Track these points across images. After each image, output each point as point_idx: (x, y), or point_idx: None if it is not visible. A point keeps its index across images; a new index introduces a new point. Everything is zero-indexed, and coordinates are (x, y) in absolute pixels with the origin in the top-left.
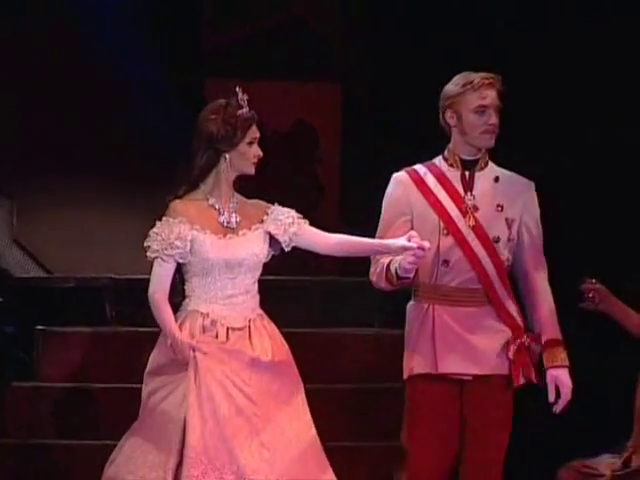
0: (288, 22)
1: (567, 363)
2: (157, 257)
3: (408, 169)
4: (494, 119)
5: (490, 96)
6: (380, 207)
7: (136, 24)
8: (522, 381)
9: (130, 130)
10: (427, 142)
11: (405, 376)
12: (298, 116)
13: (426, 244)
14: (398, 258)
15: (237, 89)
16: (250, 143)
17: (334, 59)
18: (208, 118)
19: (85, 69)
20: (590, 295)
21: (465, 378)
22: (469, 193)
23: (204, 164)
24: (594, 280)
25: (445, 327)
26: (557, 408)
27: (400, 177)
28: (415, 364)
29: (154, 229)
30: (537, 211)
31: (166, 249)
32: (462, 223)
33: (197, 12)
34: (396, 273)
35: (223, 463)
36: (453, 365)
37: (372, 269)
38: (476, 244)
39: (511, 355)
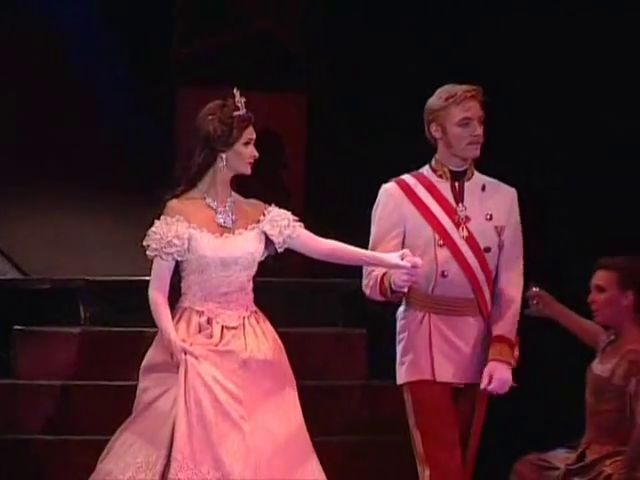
0: (256, 35)
1: (510, 361)
2: (156, 255)
3: (397, 180)
4: (478, 130)
5: (473, 108)
6: (342, 211)
7: (112, 38)
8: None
9: (104, 138)
10: (387, 148)
11: (401, 381)
12: (265, 124)
13: (419, 261)
14: (392, 272)
15: (235, 91)
16: (246, 143)
17: (299, 70)
18: (206, 118)
19: (63, 80)
20: (534, 302)
21: (457, 386)
22: (460, 204)
23: (201, 163)
24: (538, 288)
25: (441, 336)
26: (484, 391)
27: (390, 189)
28: (412, 371)
29: (152, 228)
30: (518, 218)
31: (164, 247)
32: (456, 235)
33: (169, 25)
34: (390, 287)
35: (208, 469)
36: (449, 374)
37: (365, 281)
38: (470, 255)
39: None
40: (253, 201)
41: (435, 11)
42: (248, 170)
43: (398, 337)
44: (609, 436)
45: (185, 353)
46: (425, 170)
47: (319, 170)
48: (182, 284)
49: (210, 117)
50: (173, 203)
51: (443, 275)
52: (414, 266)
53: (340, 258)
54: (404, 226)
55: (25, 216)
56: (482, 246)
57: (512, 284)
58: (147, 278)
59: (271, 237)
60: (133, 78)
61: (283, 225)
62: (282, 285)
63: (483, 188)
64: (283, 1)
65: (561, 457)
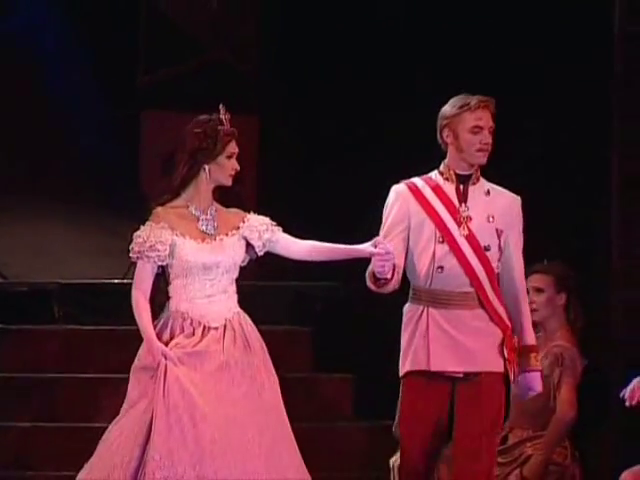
0: (212, 63)
1: (540, 368)
2: (138, 258)
3: (407, 182)
4: (488, 139)
5: (485, 117)
6: (292, 222)
7: (81, 64)
8: (519, 376)
9: (75, 157)
10: (333, 165)
11: (401, 373)
12: None
13: (389, 247)
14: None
15: (220, 107)
16: (229, 157)
17: (252, 93)
18: (192, 132)
19: (36, 102)
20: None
21: (456, 375)
22: (463, 205)
23: (186, 174)
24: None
25: (438, 328)
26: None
27: (399, 189)
28: (411, 362)
29: (138, 232)
30: (521, 225)
31: (146, 251)
32: (457, 232)
33: (132, 54)
34: (374, 275)
35: (185, 468)
36: (445, 363)
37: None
38: (469, 252)
39: (507, 354)
40: (233, 210)
41: (383, 32)
42: (229, 182)
43: (402, 331)
44: (531, 421)
45: (165, 357)
46: (434, 174)
47: (270, 183)
48: (169, 289)
49: (197, 131)
50: (158, 211)
51: (440, 269)
52: (387, 252)
53: (318, 255)
54: (409, 222)
55: (4, 225)
56: (482, 244)
57: (522, 290)
58: (115, 281)
59: (251, 241)
60: (101, 102)
61: (262, 230)
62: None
63: (487, 193)
64: (236, 31)
65: None
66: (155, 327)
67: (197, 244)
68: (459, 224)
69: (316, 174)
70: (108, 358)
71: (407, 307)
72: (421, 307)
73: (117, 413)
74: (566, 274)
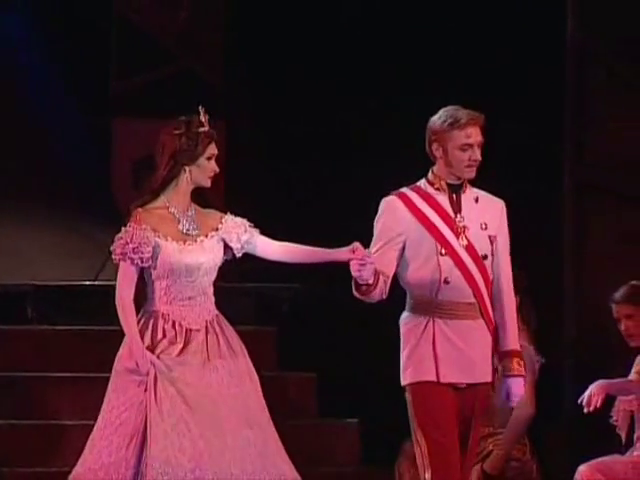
0: (181, 71)
1: (523, 373)
2: (121, 260)
3: (397, 193)
4: (477, 155)
5: (474, 134)
6: (258, 223)
7: (55, 73)
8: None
9: (48, 162)
10: (296, 167)
11: (405, 383)
12: None
13: (366, 255)
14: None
15: (200, 108)
16: (209, 158)
17: (218, 100)
18: (172, 133)
19: (11, 111)
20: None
21: (460, 386)
22: (459, 215)
23: (166, 175)
24: None
25: (445, 339)
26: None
27: (390, 200)
28: (416, 372)
29: (120, 234)
30: (507, 229)
31: (129, 253)
32: (456, 244)
33: (104, 64)
34: (355, 282)
35: (185, 473)
36: (453, 375)
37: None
38: (469, 262)
39: (496, 364)
40: (210, 210)
41: (346, 37)
42: (208, 183)
43: (402, 342)
44: (492, 419)
45: (154, 365)
46: (422, 183)
47: (237, 186)
48: (147, 289)
49: (177, 132)
50: (139, 213)
51: (446, 282)
52: (363, 257)
53: (295, 257)
54: (405, 237)
55: None
56: (480, 254)
57: (508, 294)
58: (87, 283)
59: (229, 243)
60: (74, 109)
61: (240, 232)
62: None
63: (476, 200)
64: (204, 42)
65: None
66: (137, 327)
67: (179, 246)
68: (457, 235)
69: (281, 176)
70: (80, 357)
71: (407, 317)
72: (425, 318)
73: (90, 410)
74: (518, 276)
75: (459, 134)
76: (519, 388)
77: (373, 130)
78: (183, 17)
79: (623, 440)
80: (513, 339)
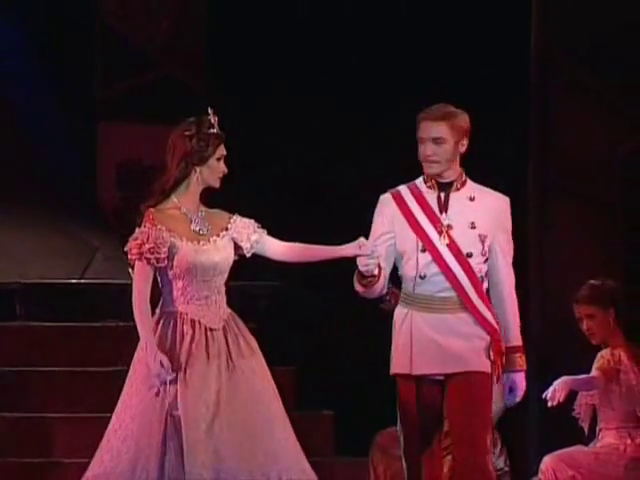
0: (164, 77)
1: (524, 368)
2: (138, 260)
3: (393, 191)
4: (427, 150)
5: (425, 129)
6: None
7: (41, 81)
8: (502, 379)
9: (36, 165)
10: (272, 167)
11: (391, 373)
12: None
13: (371, 248)
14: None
15: (209, 110)
16: (218, 159)
17: (200, 105)
18: (183, 135)
19: (2, 116)
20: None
21: (438, 377)
22: (444, 213)
23: (178, 176)
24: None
25: (420, 331)
26: (508, 403)
27: (384, 199)
28: (397, 364)
29: (135, 235)
30: (509, 225)
31: (145, 253)
32: (438, 242)
33: (90, 70)
34: (360, 273)
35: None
36: (425, 367)
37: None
38: (451, 259)
39: (492, 357)
40: (217, 210)
41: (332, 49)
42: (218, 184)
43: (393, 333)
44: None
45: (176, 373)
46: (418, 181)
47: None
48: (163, 290)
49: (187, 134)
50: (153, 213)
51: (422, 277)
52: (371, 252)
53: (302, 257)
54: (394, 234)
55: None
56: (464, 251)
57: (509, 291)
58: (73, 281)
59: (239, 243)
60: (61, 114)
61: (250, 232)
62: None
63: (472, 199)
64: (186, 49)
65: None
66: (155, 329)
67: (194, 246)
68: (440, 233)
69: (263, 181)
70: (66, 353)
71: (397, 310)
72: (406, 311)
73: (74, 403)
74: None
75: (418, 129)
76: (522, 382)
77: (360, 133)
78: (166, 25)
79: (586, 432)
80: (515, 335)
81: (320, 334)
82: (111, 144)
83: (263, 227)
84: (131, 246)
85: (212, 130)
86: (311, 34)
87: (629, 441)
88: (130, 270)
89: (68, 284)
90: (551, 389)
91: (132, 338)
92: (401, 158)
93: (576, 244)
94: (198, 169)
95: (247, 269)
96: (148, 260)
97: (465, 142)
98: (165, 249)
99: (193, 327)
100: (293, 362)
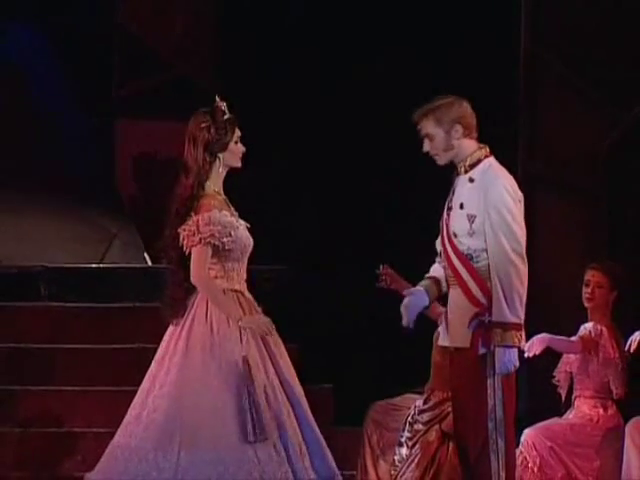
0: (177, 77)
1: (509, 343)
2: (205, 244)
3: None
4: (425, 147)
5: (419, 128)
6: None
7: (62, 78)
8: (481, 351)
9: (58, 158)
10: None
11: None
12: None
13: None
14: None
15: (217, 98)
16: (236, 142)
17: (212, 103)
18: (200, 127)
19: (25, 112)
20: (383, 277)
21: (450, 348)
22: (451, 196)
23: (207, 167)
24: (386, 265)
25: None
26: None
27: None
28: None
29: (204, 220)
30: (498, 199)
31: (216, 234)
32: (443, 222)
33: (108, 70)
34: None
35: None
36: (442, 337)
37: None
38: (446, 238)
39: (471, 328)
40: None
41: (341, 49)
42: (240, 163)
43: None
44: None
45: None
46: None
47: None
48: (216, 267)
49: (204, 125)
50: (210, 199)
51: (439, 254)
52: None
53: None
54: None
55: None
56: (451, 231)
57: (496, 269)
58: (93, 265)
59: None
60: (81, 111)
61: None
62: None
63: (471, 180)
64: (198, 51)
65: (409, 400)
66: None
67: (244, 228)
68: (447, 214)
69: (266, 176)
70: (86, 330)
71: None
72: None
73: (94, 377)
74: None
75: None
76: (502, 357)
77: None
78: (179, 28)
79: (563, 398)
80: (497, 311)
81: (322, 315)
82: (128, 139)
83: (263, 227)
84: (201, 230)
85: (226, 116)
86: (325, 31)
87: (602, 411)
88: (146, 255)
89: (88, 268)
90: (530, 341)
91: (147, 318)
92: (401, 157)
93: (562, 234)
94: (221, 155)
95: (255, 254)
96: (214, 244)
97: (459, 127)
98: (232, 232)
99: (249, 304)
100: (296, 340)
